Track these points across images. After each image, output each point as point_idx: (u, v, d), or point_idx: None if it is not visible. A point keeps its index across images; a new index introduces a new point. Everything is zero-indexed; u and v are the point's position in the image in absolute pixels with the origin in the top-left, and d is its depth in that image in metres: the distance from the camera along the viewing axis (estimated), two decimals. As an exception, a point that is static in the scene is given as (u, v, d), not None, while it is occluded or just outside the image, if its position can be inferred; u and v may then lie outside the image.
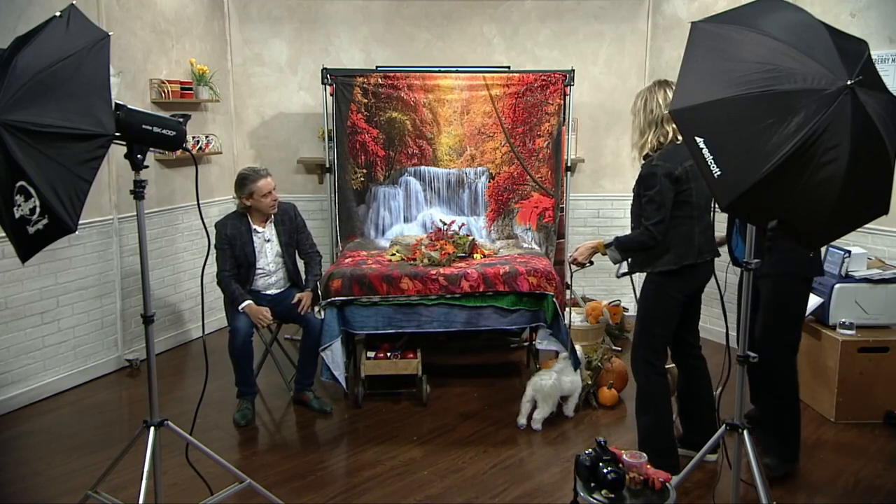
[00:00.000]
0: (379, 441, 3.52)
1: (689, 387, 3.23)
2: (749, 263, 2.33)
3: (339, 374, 3.77)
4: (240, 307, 3.73)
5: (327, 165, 4.99)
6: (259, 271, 3.88)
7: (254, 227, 3.85)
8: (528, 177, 4.90)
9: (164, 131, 2.28)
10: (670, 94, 2.89)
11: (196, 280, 5.03)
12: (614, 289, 5.48)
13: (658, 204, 2.85)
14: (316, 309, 3.89)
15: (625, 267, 3.15)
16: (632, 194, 3.03)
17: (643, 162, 2.98)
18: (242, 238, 3.80)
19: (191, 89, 4.88)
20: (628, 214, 3.09)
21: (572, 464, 2.62)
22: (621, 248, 3.01)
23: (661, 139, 2.92)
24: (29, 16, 3.67)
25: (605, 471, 2.42)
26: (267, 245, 3.89)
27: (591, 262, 3.22)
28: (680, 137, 2.83)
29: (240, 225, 3.82)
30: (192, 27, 5.04)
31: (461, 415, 3.82)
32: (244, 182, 3.78)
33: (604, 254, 3.10)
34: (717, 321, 4.95)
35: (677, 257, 2.92)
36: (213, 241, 3.64)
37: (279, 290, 3.97)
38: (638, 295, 3.14)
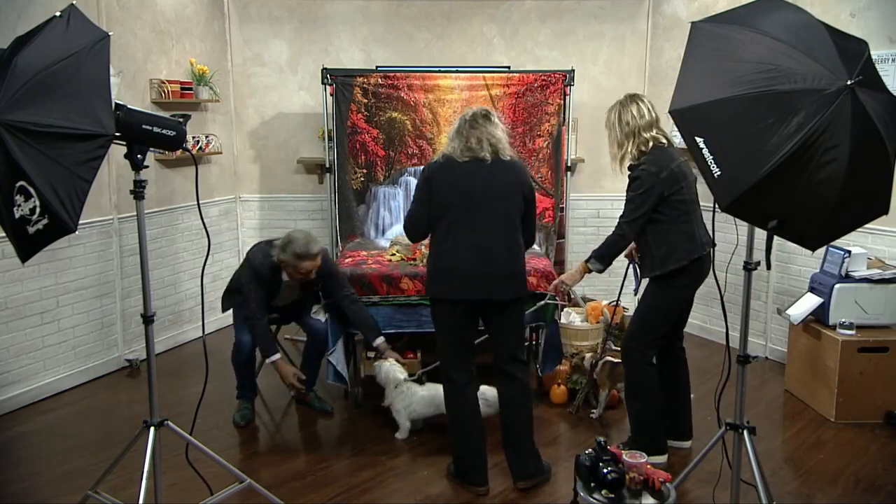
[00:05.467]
0: (379, 441, 3.52)
1: (672, 378, 3.34)
2: (749, 263, 2.33)
3: (343, 372, 3.77)
4: (268, 360, 3.59)
5: (327, 165, 4.99)
6: (274, 304, 3.80)
7: (285, 278, 3.65)
8: (528, 177, 4.89)
9: (164, 131, 2.28)
10: (642, 107, 3.09)
11: (196, 280, 5.03)
12: (614, 289, 5.45)
13: (636, 205, 3.03)
14: (315, 309, 3.88)
15: (635, 283, 3.42)
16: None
17: (629, 172, 3.12)
18: (270, 287, 3.65)
19: (191, 89, 4.88)
20: None
21: (572, 464, 2.62)
22: (600, 258, 3.13)
23: (642, 147, 3.07)
24: (29, 16, 3.66)
25: (605, 471, 2.43)
26: (288, 289, 3.76)
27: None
28: (664, 141, 3.07)
29: (272, 277, 3.61)
30: (192, 27, 5.04)
31: (461, 415, 3.81)
32: (294, 252, 3.43)
33: (589, 271, 3.19)
34: (717, 321, 4.96)
35: (686, 253, 3.05)
36: (241, 274, 3.71)
37: None
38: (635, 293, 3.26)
